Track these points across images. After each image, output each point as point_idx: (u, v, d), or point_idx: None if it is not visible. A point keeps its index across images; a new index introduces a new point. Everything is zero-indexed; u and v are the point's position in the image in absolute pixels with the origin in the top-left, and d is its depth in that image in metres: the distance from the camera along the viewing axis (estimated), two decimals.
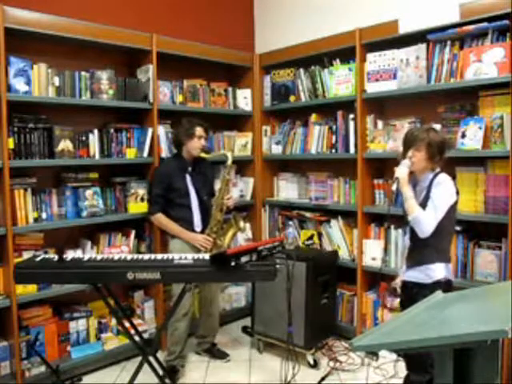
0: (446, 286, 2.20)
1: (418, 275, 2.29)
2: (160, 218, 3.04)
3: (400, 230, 3.17)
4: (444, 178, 2.23)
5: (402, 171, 2.25)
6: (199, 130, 3.07)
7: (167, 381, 2.48)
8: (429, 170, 2.27)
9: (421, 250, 2.28)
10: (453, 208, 2.24)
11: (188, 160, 3.12)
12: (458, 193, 2.28)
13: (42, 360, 2.84)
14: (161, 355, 3.06)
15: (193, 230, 3.07)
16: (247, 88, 4.04)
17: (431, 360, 2.09)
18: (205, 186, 3.19)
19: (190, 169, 3.12)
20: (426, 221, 2.17)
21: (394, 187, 2.29)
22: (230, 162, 3.14)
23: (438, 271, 2.24)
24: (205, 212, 3.12)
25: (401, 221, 2.60)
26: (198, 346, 3.34)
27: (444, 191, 2.20)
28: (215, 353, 3.30)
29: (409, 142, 2.27)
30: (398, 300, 2.68)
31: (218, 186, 3.29)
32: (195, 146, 3.06)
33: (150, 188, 3.16)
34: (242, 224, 3.17)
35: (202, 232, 3.09)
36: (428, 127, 2.33)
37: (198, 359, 3.30)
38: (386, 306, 3.27)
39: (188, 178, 3.10)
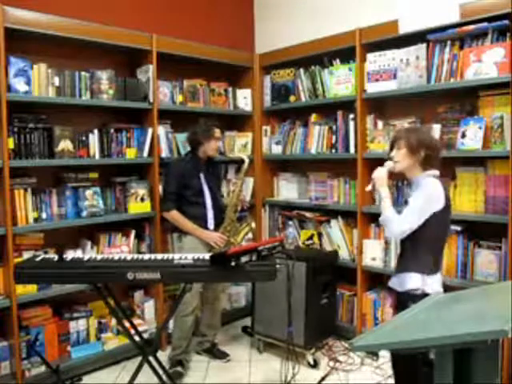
0: (419, 298, 1.91)
1: (394, 282, 2.26)
2: (175, 215, 3.07)
3: None
4: (429, 183, 2.12)
5: (379, 172, 2.26)
6: (217, 132, 3.13)
7: (167, 381, 2.48)
8: (419, 170, 2.17)
9: (401, 257, 2.27)
10: (438, 216, 2.09)
11: (202, 160, 3.16)
12: (448, 200, 2.14)
13: (42, 360, 2.84)
14: (161, 355, 3.05)
15: (206, 228, 3.11)
16: (247, 88, 4.03)
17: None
18: (217, 185, 3.27)
19: (204, 168, 3.16)
20: (395, 222, 2.11)
21: (369, 187, 2.32)
22: (246, 164, 3.22)
23: (410, 281, 2.14)
24: (217, 210, 3.17)
25: None
26: (198, 345, 3.34)
27: (423, 196, 2.09)
28: (215, 353, 3.31)
29: (392, 144, 2.27)
30: None
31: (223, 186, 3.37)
32: (213, 147, 3.12)
33: (163, 185, 3.19)
34: (253, 224, 3.32)
35: (215, 230, 3.13)
36: (410, 128, 2.29)
37: (198, 359, 3.29)
38: None
39: (202, 177, 3.14)
